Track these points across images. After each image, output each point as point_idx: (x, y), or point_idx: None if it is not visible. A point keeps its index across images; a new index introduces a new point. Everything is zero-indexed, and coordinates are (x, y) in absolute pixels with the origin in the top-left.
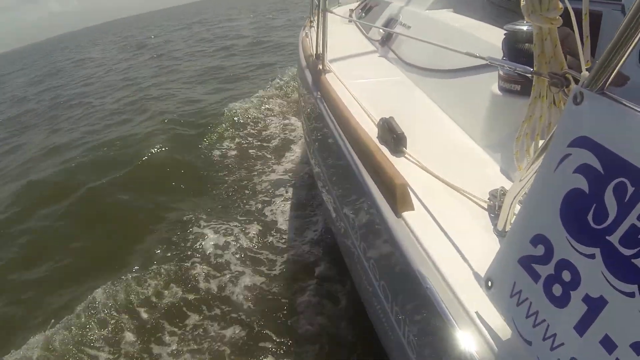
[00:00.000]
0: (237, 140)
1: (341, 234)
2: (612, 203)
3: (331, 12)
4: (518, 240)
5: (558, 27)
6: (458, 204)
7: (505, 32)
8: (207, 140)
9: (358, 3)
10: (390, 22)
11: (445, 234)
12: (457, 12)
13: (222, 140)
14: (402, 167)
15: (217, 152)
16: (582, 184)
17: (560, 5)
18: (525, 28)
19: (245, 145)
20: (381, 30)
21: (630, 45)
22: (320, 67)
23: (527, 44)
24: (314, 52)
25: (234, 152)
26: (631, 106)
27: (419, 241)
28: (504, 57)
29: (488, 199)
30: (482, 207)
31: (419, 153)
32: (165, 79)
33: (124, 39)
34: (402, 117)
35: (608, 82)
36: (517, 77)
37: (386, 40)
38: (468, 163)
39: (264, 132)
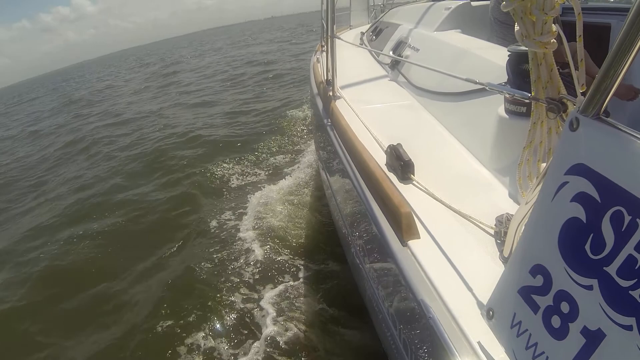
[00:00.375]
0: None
1: (353, 260)
2: (609, 232)
3: (339, 39)
4: (517, 271)
5: (568, 42)
6: (464, 231)
7: (509, 53)
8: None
9: (369, 25)
10: (400, 45)
11: (450, 262)
12: (465, 33)
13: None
14: (410, 193)
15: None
16: (580, 213)
17: (554, 29)
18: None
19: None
20: (391, 53)
21: (622, 69)
22: (331, 93)
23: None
24: (325, 78)
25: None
26: (627, 131)
27: (423, 270)
28: (508, 78)
29: (495, 225)
30: (489, 234)
31: (427, 179)
32: (184, 119)
33: (141, 67)
34: (411, 143)
35: (603, 107)
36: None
37: (396, 64)
38: (476, 188)
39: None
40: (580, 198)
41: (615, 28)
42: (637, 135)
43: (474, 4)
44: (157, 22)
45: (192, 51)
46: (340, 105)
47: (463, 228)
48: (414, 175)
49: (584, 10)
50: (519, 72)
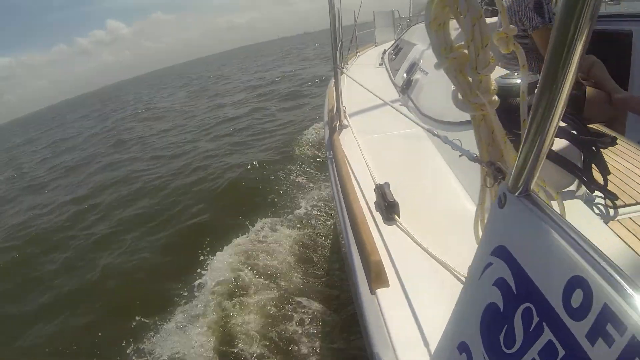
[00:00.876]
0: None
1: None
2: (520, 329)
3: (342, 72)
4: (448, 343)
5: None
6: (438, 279)
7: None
8: None
9: (392, 43)
10: (413, 67)
11: (414, 314)
12: None
13: None
14: (393, 235)
15: None
16: (499, 299)
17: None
18: (518, 81)
19: None
20: (404, 75)
21: (549, 132)
22: (335, 124)
23: (518, 98)
24: (335, 106)
25: None
26: (551, 215)
27: (385, 322)
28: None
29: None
30: (463, 283)
31: (413, 219)
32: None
33: (181, 87)
34: (406, 177)
35: (532, 183)
36: (510, 135)
37: (406, 89)
38: (463, 229)
39: None
40: (500, 284)
41: (637, 35)
42: (560, 224)
43: None
44: (189, 42)
45: (233, 69)
46: (344, 136)
47: (437, 276)
48: (398, 216)
49: (603, 17)
50: (505, 107)
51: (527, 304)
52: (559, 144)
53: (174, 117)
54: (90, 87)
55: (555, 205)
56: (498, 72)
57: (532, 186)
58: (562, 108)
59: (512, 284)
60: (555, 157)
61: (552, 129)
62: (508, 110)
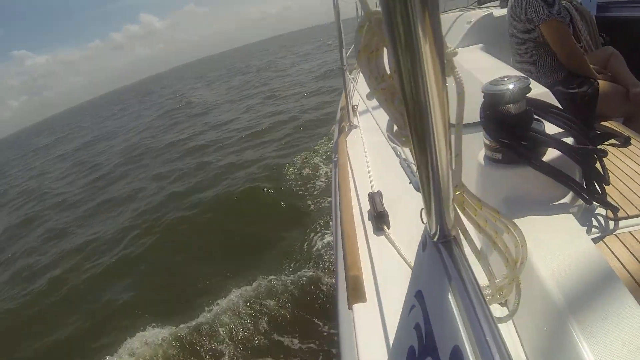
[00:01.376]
0: None
1: None
2: None
3: (345, 70)
4: None
5: (603, 46)
6: None
7: (483, 93)
8: None
9: None
10: None
11: (385, 332)
12: (488, 46)
13: None
14: (381, 247)
15: None
16: (415, 344)
17: None
18: (510, 86)
19: None
20: None
21: (440, 167)
22: (344, 124)
23: (507, 105)
24: (347, 106)
25: None
26: (458, 272)
27: (356, 339)
28: (482, 120)
29: None
30: None
31: (404, 230)
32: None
33: (209, 83)
34: (406, 185)
35: (449, 228)
36: (498, 144)
37: None
38: None
39: None
40: (416, 330)
41: None
42: (465, 284)
43: (496, 14)
44: (223, 33)
45: (271, 59)
46: (352, 137)
47: None
48: (388, 227)
49: (622, 2)
50: (492, 115)
51: (429, 358)
52: (551, 153)
53: (207, 118)
54: (126, 81)
55: (512, 235)
56: (489, 76)
57: (452, 230)
58: (444, 127)
59: (423, 333)
60: (547, 169)
61: (442, 161)
62: (497, 119)
